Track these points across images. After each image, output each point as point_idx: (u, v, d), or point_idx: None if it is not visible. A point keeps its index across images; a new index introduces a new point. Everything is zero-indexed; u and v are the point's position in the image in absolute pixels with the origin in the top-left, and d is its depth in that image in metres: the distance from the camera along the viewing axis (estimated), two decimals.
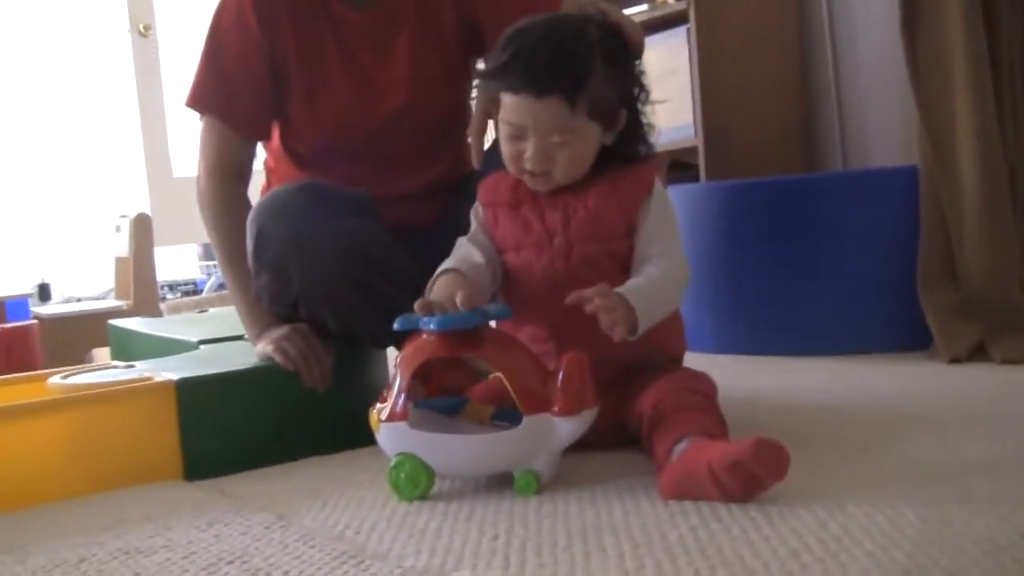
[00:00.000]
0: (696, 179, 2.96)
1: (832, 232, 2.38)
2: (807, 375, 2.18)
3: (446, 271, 1.57)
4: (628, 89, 1.63)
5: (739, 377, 2.19)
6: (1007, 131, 2.26)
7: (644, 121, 1.67)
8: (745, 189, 2.52)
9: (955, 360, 2.15)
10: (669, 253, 1.61)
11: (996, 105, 2.23)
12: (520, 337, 1.62)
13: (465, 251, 1.65)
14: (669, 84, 2.96)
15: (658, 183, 1.65)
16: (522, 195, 1.65)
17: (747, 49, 3.02)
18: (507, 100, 1.58)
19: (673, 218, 1.66)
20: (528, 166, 1.58)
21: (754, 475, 1.27)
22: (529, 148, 1.57)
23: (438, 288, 1.54)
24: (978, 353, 2.16)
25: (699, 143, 2.92)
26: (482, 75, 1.67)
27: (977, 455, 1.46)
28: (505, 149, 1.61)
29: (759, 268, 2.45)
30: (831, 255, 2.38)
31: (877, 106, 2.93)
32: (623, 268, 1.61)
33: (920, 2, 2.28)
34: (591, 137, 1.59)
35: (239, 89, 1.97)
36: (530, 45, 1.55)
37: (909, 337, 2.30)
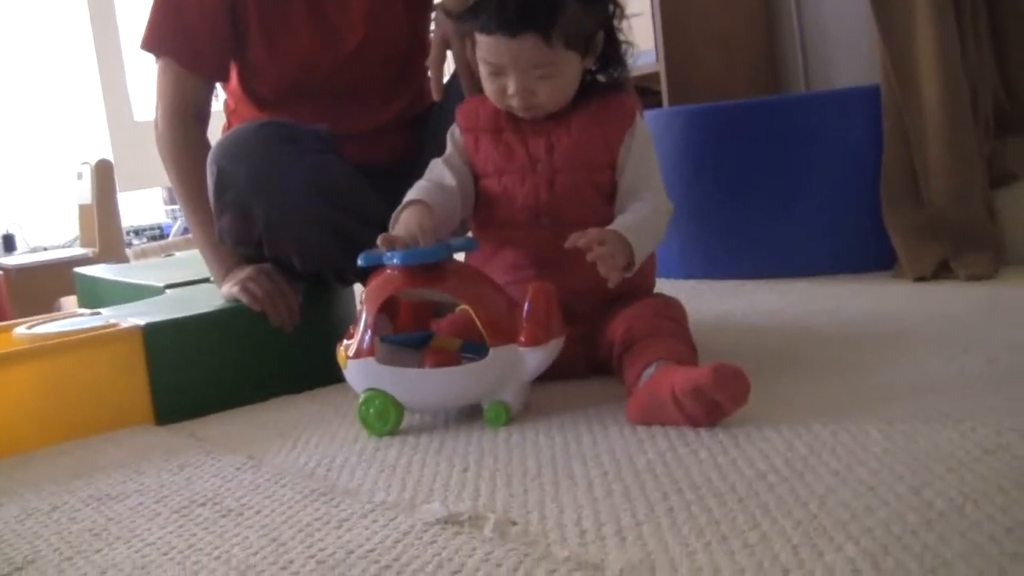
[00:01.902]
0: (659, 105, 2.94)
1: (796, 154, 2.37)
2: (775, 298, 2.19)
3: (411, 203, 1.56)
4: (603, 11, 1.62)
5: (708, 302, 2.20)
6: (968, 50, 2.25)
7: (622, 39, 1.66)
8: (707, 113, 2.51)
9: (920, 279, 2.16)
10: (655, 187, 1.63)
11: (957, 24, 2.22)
12: (498, 263, 1.64)
13: (438, 172, 1.65)
14: (629, 10, 2.93)
15: (639, 114, 1.65)
16: (503, 121, 1.64)
17: None
18: (482, 40, 1.57)
19: (652, 149, 1.67)
20: (513, 102, 1.59)
21: (715, 401, 1.28)
22: (511, 85, 1.57)
23: (402, 222, 1.53)
24: (943, 271, 2.17)
25: (661, 69, 2.91)
26: (454, 16, 1.66)
27: (941, 372, 1.47)
28: (487, 86, 1.61)
29: (724, 192, 2.45)
30: (796, 177, 2.37)
31: (839, 27, 2.91)
32: (605, 197, 1.63)
33: None
34: (571, 66, 1.58)
35: (196, 30, 1.93)
36: None
37: (876, 257, 2.31)
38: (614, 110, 1.64)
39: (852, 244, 2.37)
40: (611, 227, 1.50)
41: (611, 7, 1.63)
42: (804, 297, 2.16)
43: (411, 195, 1.58)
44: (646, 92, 3.03)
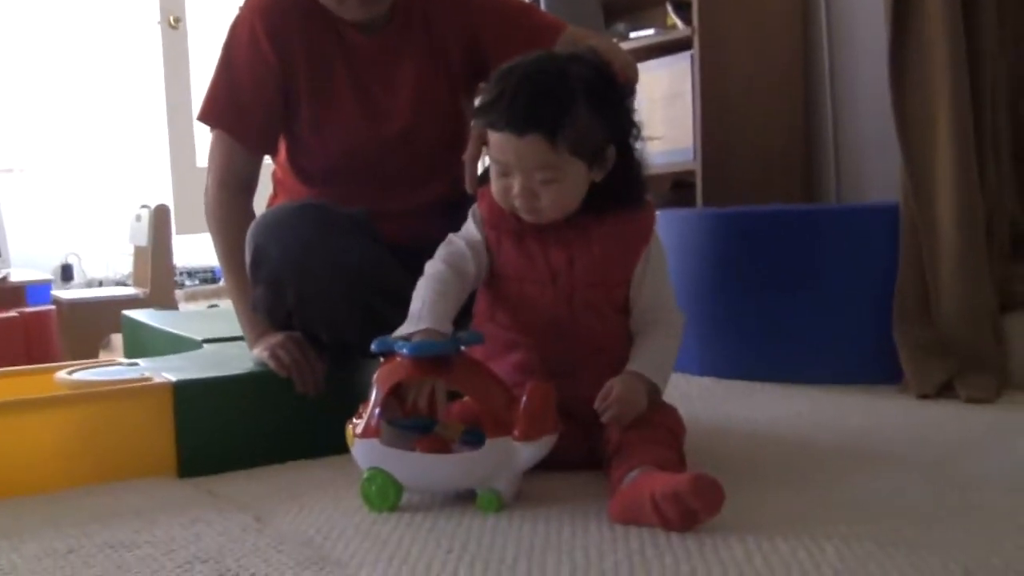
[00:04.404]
0: (692, 199, 3.03)
1: (816, 264, 2.46)
2: (779, 404, 2.25)
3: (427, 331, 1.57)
4: (617, 126, 1.67)
5: (715, 403, 2.27)
6: (988, 174, 2.32)
7: (637, 157, 1.70)
8: (733, 218, 2.59)
9: (924, 396, 2.22)
10: (670, 306, 1.73)
11: (977, 148, 2.30)
12: (508, 362, 1.69)
13: (459, 256, 1.69)
14: (673, 107, 3.03)
15: (655, 231, 1.72)
16: (526, 225, 1.68)
17: (750, 78, 3.10)
18: (492, 137, 1.64)
19: (666, 264, 1.74)
20: (516, 203, 1.64)
21: (691, 509, 1.35)
22: (515, 185, 1.62)
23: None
24: (947, 390, 2.23)
25: (697, 167, 3.00)
26: (473, 112, 1.74)
27: (915, 497, 1.54)
28: (495, 184, 1.66)
29: (745, 294, 2.52)
30: (816, 286, 2.45)
31: (873, 142, 2.99)
32: (618, 309, 1.71)
33: (908, 48, 2.35)
34: (576, 175, 1.63)
35: (248, 106, 2.05)
36: (513, 84, 1.61)
37: (887, 370, 2.36)
38: (634, 227, 1.70)
39: (866, 356, 2.43)
40: (636, 368, 1.62)
41: (627, 126, 1.68)
42: (809, 406, 2.22)
43: (429, 312, 1.59)
44: (680, 185, 3.13)
